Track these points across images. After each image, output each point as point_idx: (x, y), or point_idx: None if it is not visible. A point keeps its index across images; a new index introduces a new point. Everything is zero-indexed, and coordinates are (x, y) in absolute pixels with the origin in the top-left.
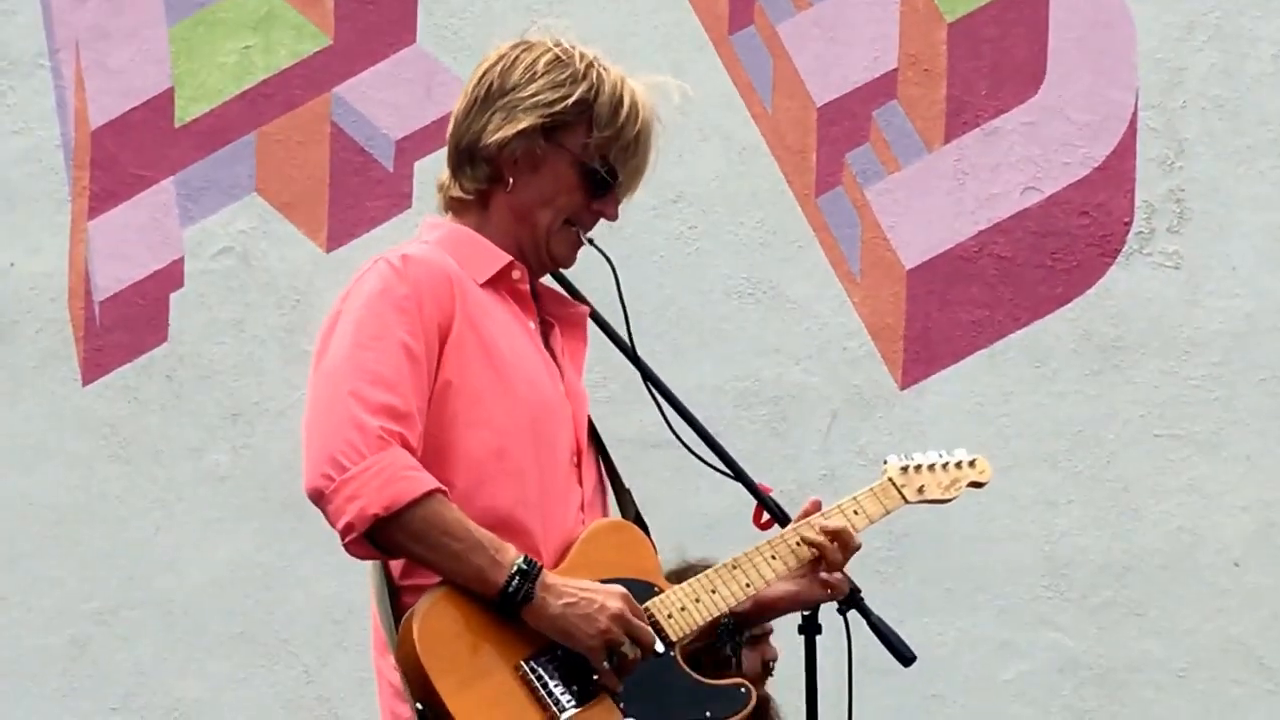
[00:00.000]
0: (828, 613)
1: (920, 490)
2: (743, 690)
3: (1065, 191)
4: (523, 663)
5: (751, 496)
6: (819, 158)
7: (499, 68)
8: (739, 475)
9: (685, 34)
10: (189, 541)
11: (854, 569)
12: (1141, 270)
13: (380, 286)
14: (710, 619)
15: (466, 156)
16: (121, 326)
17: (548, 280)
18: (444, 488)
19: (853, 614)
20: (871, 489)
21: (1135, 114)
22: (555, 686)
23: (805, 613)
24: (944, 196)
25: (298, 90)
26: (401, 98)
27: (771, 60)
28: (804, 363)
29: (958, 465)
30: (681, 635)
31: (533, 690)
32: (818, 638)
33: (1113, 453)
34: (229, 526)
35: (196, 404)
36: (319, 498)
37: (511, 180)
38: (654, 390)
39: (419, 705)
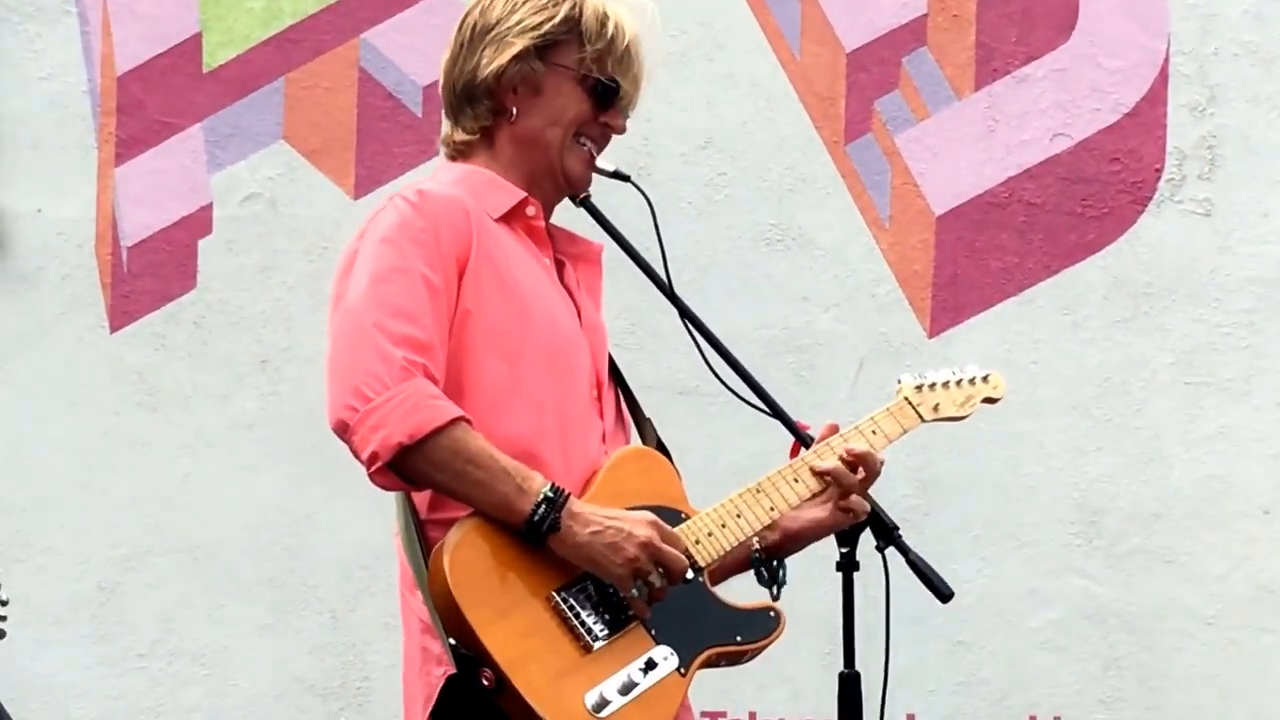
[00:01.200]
0: (865, 550)
1: (936, 408)
2: (772, 614)
3: (1096, 138)
4: (554, 593)
5: (789, 434)
6: (848, 104)
7: (479, 8)
8: (777, 412)
9: None
10: (217, 488)
11: None
12: (1172, 217)
13: (398, 221)
14: (737, 543)
15: (465, 97)
16: (149, 273)
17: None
18: (468, 416)
19: (890, 552)
20: (888, 409)
21: (1167, 60)
22: (587, 616)
23: (843, 549)
24: (974, 143)
25: (325, 36)
26: (430, 43)
27: (800, 6)
28: (832, 310)
29: (970, 381)
30: (709, 560)
31: (565, 620)
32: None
33: (1142, 400)
34: (257, 473)
35: (224, 351)
36: (343, 430)
37: (515, 109)
38: (691, 328)
39: (452, 640)
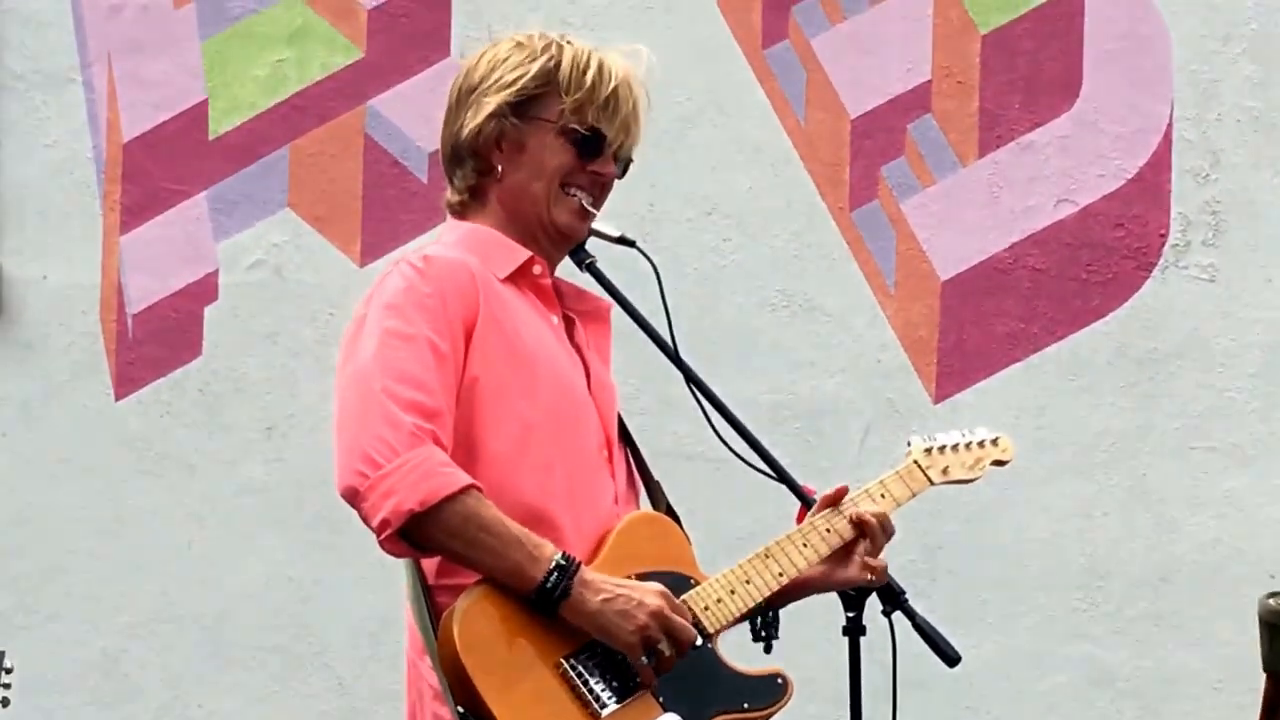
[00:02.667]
0: (871, 615)
1: (945, 471)
2: (779, 681)
3: (1100, 204)
4: (563, 660)
5: (796, 498)
6: (853, 171)
7: (465, 70)
8: (783, 477)
9: (719, 48)
10: (223, 555)
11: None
12: (1177, 283)
13: (404, 286)
14: (746, 609)
15: (454, 159)
16: (154, 340)
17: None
18: (479, 485)
19: (897, 617)
20: (897, 472)
21: (1170, 126)
22: (595, 684)
23: (850, 614)
24: (979, 209)
25: (331, 103)
26: (436, 111)
27: (805, 73)
28: (838, 376)
29: (980, 444)
30: (718, 626)
31: (573, 688)
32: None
33: (1149, 465)
34: (263, 540)
35: (230, 418)
36: (353, 496)
37: (500, 167)
38: (697, 393)
39: (460, 709)
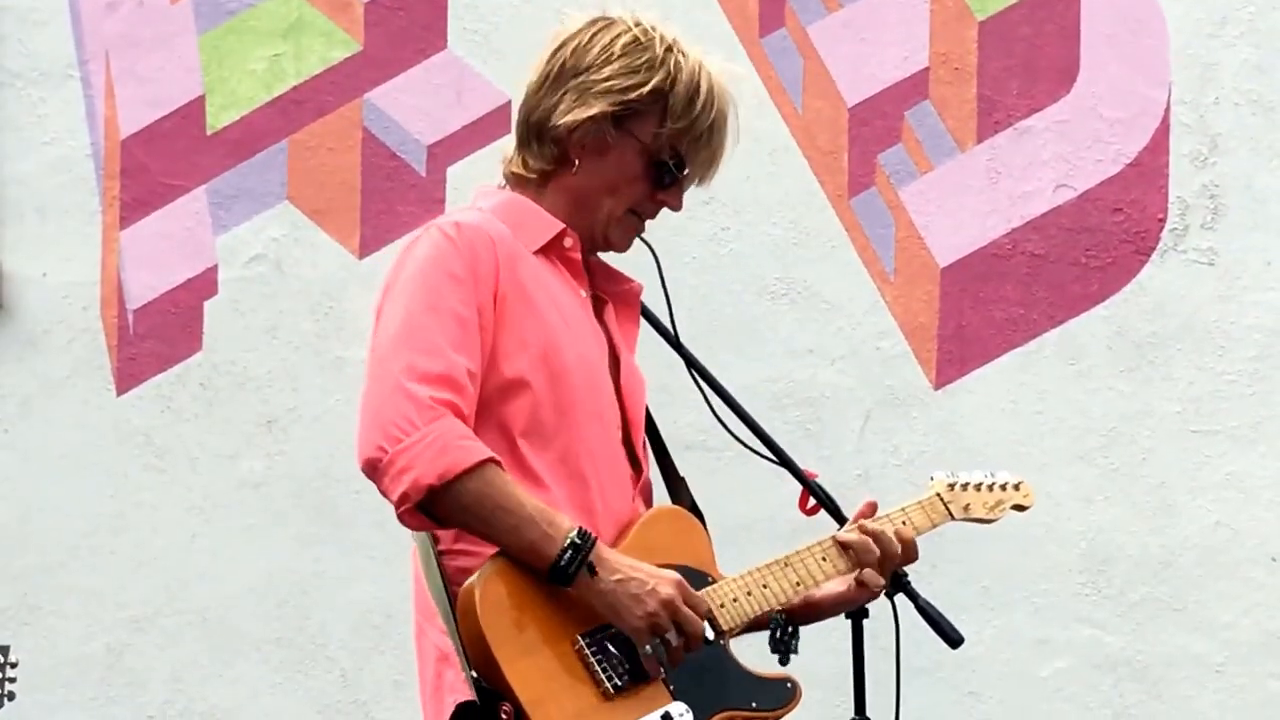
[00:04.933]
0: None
1: (966, 509)
2: (789, 685)
3: (1098, 189)
4: (579, 637)
5: (798, 483)
6: (851, 158)
7: (574, 44)
8: (784, 461)
9: (716, 37)
10: (224, 549)
11: None
12: (1175, 267)
13: (434, 254)
14: (759, 612)
15: (535, 133)
16: (155, 335)
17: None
18: (497, 457)
19: (900, 602)
20: (920, 503)
21: (1168, 110)
22: (609, 663)
23: None
24: (977, 195)
25: (328, 97)
26: (433, 103)
27: (802, 61)
28: (838, 363)
29: (1002, 487)
30: (732, 626)
31: (587, 665)
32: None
33: (1148, 449)
34: (264, 534)
35: (231, 412)
36: (372, 470)
37: (578, 163)
38: (699, 380)
39: (474, 674)
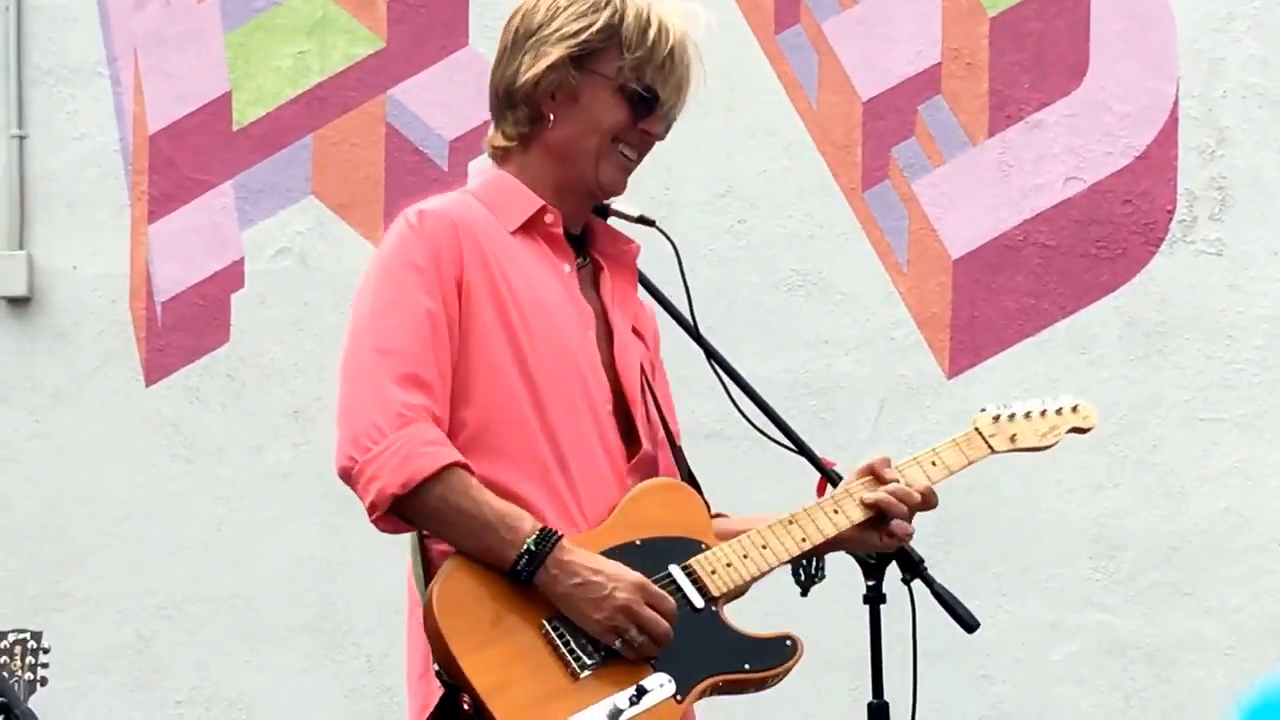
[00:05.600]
0: (891, 584)
1: (1013, 439)
2: (788, 643)
3: (1108, 181)
4: (546, 621)
5: (816, 471)
6: (865, 152)
7: (522, 11)
8: (802, 450)
9: (733, 34)
10: (251, 538)
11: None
12: (1184, 257)
13: (398, 244)
14: (758, 573)
15: (506, 102)
16: (182, 327)
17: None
18: (462, 460)
19: (916, 586)
20: (955, 439)
21: (1176, 104)
22: (579, 643)
23: (870, 583)
24: (989, 188)
25: (352, 93)
26: (455, 98)
27: (817, 57)
28: (852, 353)
29: (1058, 412)
30: (725, 591)
31: (554, 648)
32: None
33: (1158, 436)
34: (291, 522)
35: (257, 402)
36: (347, 478)
37: (552, 116)
38: (719, 370)
39: (436, 666)
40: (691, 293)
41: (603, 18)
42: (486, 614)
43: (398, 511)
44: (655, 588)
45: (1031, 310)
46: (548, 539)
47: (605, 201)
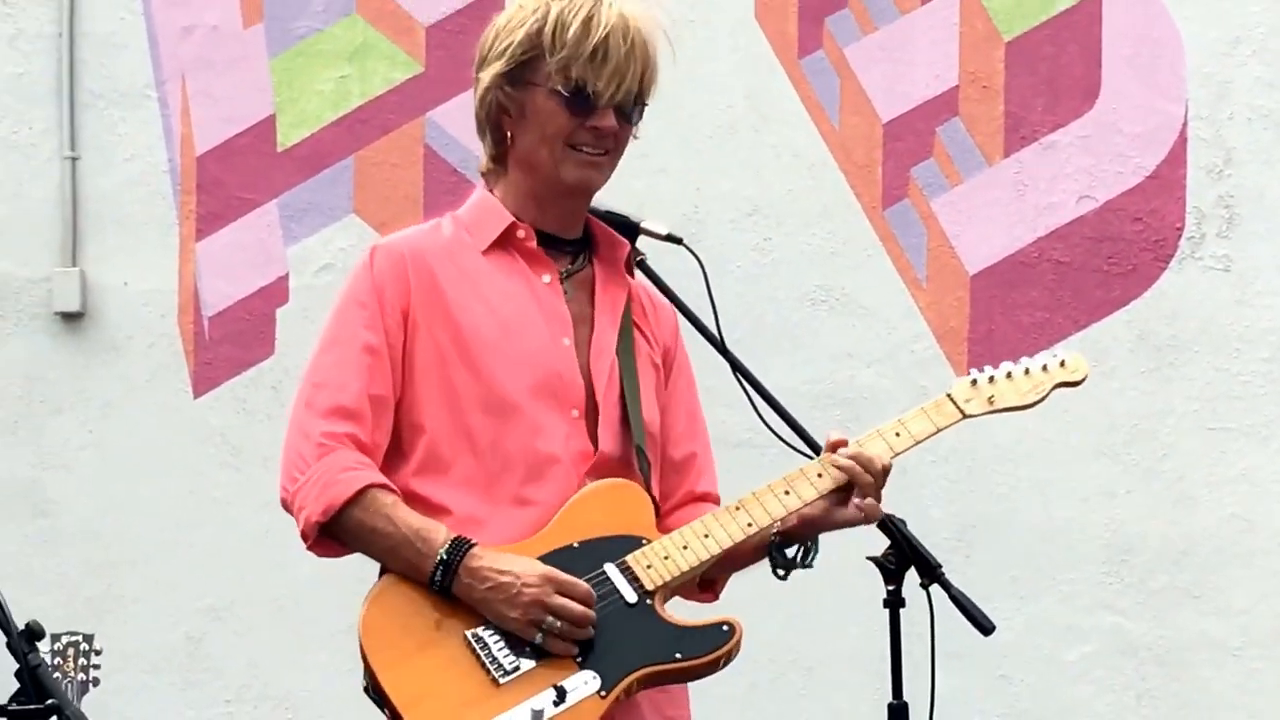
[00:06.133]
0: (910, 589)
1: (991, 400)
2: (725, 628)
3: (1119, 199)
4: (467, 632)
5: None
6: (885, 172)
7: (480, 44)
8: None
9: (758, 58)
10: (297, 542)
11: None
12: (1193, 273)
13: (351, 283)
14: (698, 563)
15: (478, 129)
16: (229, 340)
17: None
18: (380, 481)
19: (935, 589)
20: (923, 406)
21: (1185, 125)
22: (501, 650)
23: (890, 587)
24: (1004, 206)
25: (392, 115)
26: None
27: (839, 80)
28: (874, 366)
29: (1044, 368)
30: (661, 583)
31: (477, 656)
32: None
33: (1169, 445)
34: None
35: None
36: (286, 509)
37: (510, 133)
38: (744, 382)
39: (365, 684)
40: (719, 307)
41: (524, 30)
42: (413, 629)
43: (327, 537)
44: (565, 576)
45: (1046, 324)
46: (459, 548)
47: (636, 220)
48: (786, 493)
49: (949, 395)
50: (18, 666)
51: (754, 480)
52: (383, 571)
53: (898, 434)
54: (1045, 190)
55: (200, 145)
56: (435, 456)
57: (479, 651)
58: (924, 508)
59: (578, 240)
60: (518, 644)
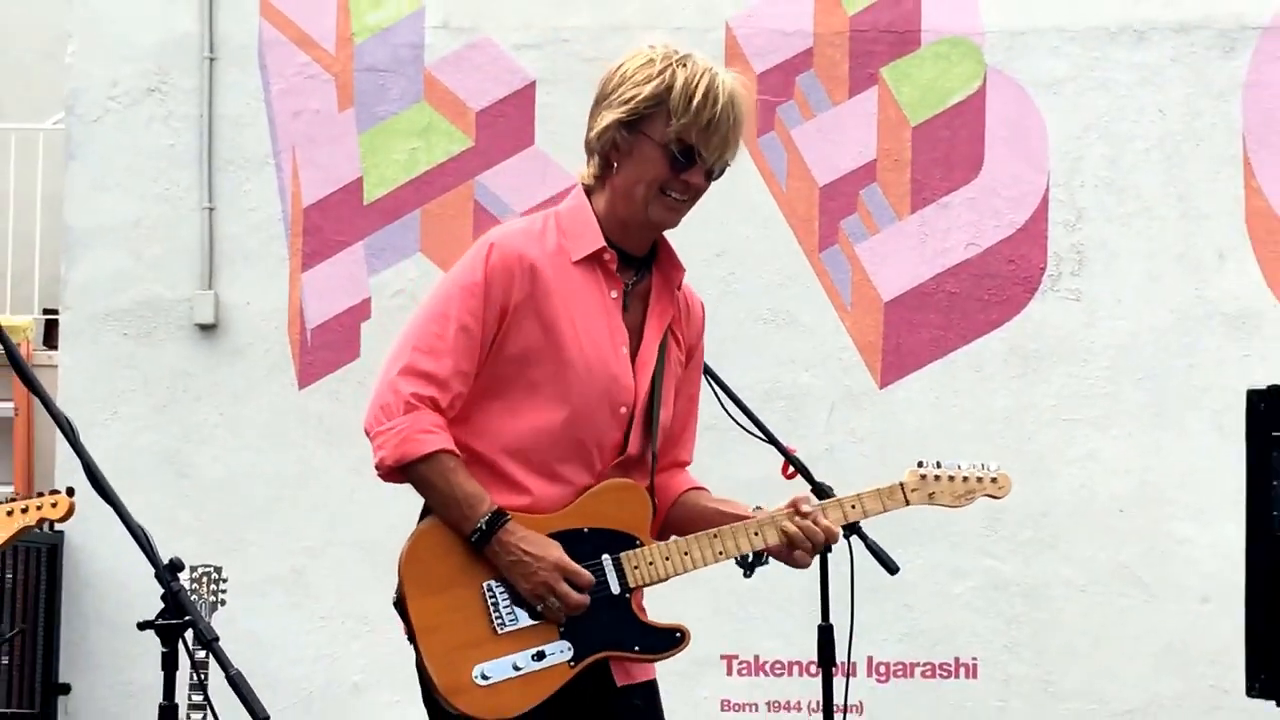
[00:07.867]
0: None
1: (931, 496)
2: (677, 635)
3: (997, 246)
4: (487, 582)
5: (780, 456)
6: (821, 224)
7: (606, 76)
8: (771, 439)
9: None
10: (376, 499)
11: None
12: (1052, 302)
13: (464, 268)
14: (675, 574)
15: (587, 150)
16: (326, 347)
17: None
18: (449, 448)
19: (854, 539)
20: (878, 489)
21: (1047, 190)
22: (507, 605)
23: None
24: (910, 251)
25: (450, 178)
26: (526, 183)
27: (786, 154)
28: (811, 370)
29: (979, 479)
30: (642, 583)
31: (484, 606)
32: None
33: (1032, 432)
34: (405, 491)
35: None
36: (367, 435)
37: (616, 165)
38: (712, 381)
39: (395, 599)
40: None
41: (650, 87)
42: (442, 568)
43: (393, 476)
44: (574, 566)
45: (940, 340)
46: (496, 521)
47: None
48: (756, 534)
49: (901, 484)
50: (163, 591)
51: (716, 454)
52: (425, 512)
53: (854, 506)
54: (941, 239)
55: (306, 200)
56: (506, 426)
57: (488, 601)
58: (848, 479)
59: (644, 256)
60: (521, 602)
